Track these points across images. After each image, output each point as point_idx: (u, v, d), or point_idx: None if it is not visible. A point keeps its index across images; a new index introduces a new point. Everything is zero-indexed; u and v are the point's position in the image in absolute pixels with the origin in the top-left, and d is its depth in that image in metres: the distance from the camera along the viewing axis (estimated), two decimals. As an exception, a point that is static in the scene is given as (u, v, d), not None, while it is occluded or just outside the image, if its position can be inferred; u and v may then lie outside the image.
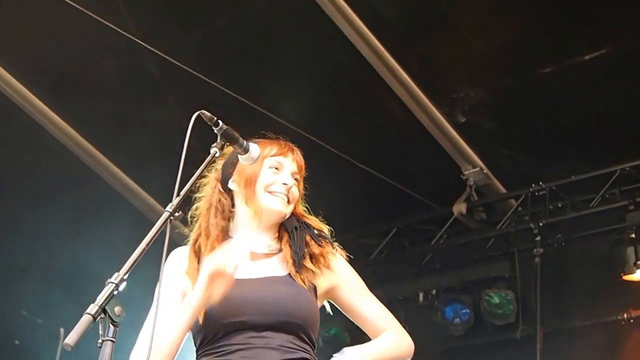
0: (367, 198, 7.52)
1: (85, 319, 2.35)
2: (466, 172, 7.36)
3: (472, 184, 7.41)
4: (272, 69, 6.74)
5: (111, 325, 2.41)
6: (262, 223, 3.13)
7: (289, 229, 3.15)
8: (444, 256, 7.91)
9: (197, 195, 3.20)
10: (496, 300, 7.36)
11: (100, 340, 2.40)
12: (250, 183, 3.14)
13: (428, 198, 7.64)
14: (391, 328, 3.20)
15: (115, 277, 2.45)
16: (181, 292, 3.01)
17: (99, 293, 2.43)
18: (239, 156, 3.02)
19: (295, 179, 3.19)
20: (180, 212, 2.69)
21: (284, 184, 3.13)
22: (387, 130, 7.10)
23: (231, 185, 3.17)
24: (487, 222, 7.79)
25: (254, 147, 3.01)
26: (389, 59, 6.45)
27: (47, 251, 7.69)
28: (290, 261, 3.06)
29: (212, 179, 3.22)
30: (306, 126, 6.73)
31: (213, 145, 2.89)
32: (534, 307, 7.13)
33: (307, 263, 3.06)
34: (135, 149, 7.46)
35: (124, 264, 2.52)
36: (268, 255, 3.11)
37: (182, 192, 2.71)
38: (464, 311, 7.59)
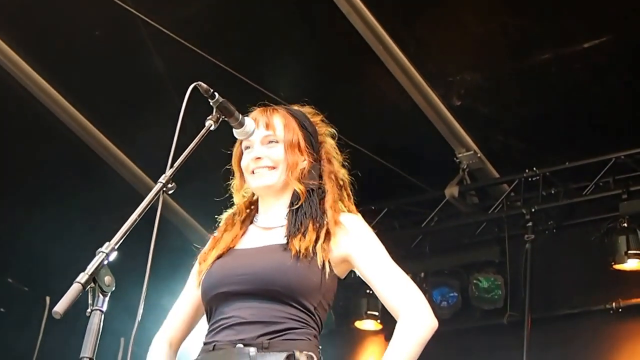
0: (359, 178, 7.50)
1: (75, 288, 2.35)
2: (460, 155, 7.35)
3: (465, 167, 7.40)
4: (269, 46, 6.71)
5: (101, 295, 2.40)
6: (264, 201, 3.17)
7: (292, 201, 3.12)
8: (434, 239, 7.91)
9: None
10: (485, 284, 7.37)
11: (89, 310, 2.39)
12: (237, 171, 3.22)
13: (420, 180, 7.64)
14: (403, 309, 2.99)
15: (106, 247, 2.45)
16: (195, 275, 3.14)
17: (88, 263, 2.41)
18: (234, 130, 3.03)
19: (272, 141, 3.14)
20: (174, 184, 2.68)
21: (255, 158, 3.11)
22: (382, 111, 7.09)
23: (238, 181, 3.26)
24: (478, 206, 7.79)
25: (249, 121, 3.02)
26: (386, 40, 6.43)
27: (35, 219, 7.67)
28: (286, 232, 3.03)
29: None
30: (298, 102, 6.70)
31: (208, 118, 2.88)
32: (522, 293, 7.12)
33: (309, 233, 2.99)
34: (125, 121, 7.44)
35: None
36: (276, 227, 3.10)
37: (176, 164, 2.69)
38: (451, 295, 7.60)
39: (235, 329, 2.88)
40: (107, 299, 2.42)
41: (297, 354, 2.82)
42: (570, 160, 7.10)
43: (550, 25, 6.37)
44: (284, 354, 2.81)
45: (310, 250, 2.94)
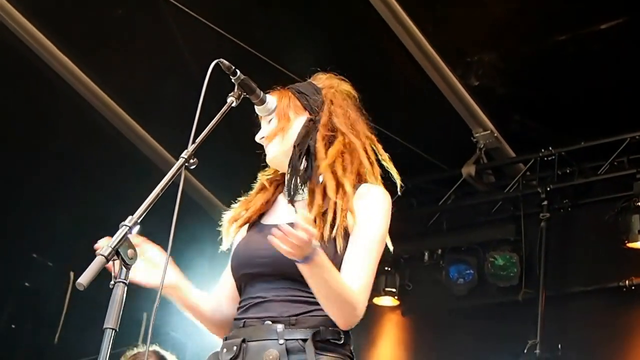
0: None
1: (99, 260, 2.40)
2: (477, 135, 7.39)
3: (482, 146, 7.44)
4: (288, 25, 6.75)
5: (124, 268, 2.46)
6: (283, 175, 3.16)
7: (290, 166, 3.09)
8: (451, 217, 7.96)
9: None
10: (500, 262, 7.41)
11: (112, 282, 2.45)
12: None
13: (438, 159, 7.67)
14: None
15: (129, 220, 2.50)
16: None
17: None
18: (256, 107, 3.06)
19: (270, 119, 3.14)
20: (195, 160, 2.73)
21: (259, 138, 3.15)
22: (400, 90, 7.12)
23: None
24: (495, 185, 7.84)
25: (271, 99, 3.06)
26: (405, 19, 6.45)
27: (59, 196, 7.75)
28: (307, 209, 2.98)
29: None
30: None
31: (230, 95, 2.92)
32: (537, 271, 7.19)
33: (325, 215, 2.94)
34: (146, 99, 7.49)
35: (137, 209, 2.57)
36: (299, 201, 3.08)
37: (198, 140, 2.74)
38: (468, 272, 7.65)
39: (263, 306, 2.92)
40: (130, 271, 2.47)
41: (322, 329, 2.87)
42: (586, 139, 7.15)
43: (568, 6, 6.38)
44: (311, 330, 2.85)
45: (326, 236, 2.89)
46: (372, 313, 8.06)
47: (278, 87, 3.22)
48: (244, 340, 2.88)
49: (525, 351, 6.88)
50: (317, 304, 2.86)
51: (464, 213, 7.94)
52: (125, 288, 2.45)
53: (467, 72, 6.96)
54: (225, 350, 2.92)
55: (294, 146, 3.07)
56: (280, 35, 6.79)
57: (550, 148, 7.28)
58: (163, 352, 5.01)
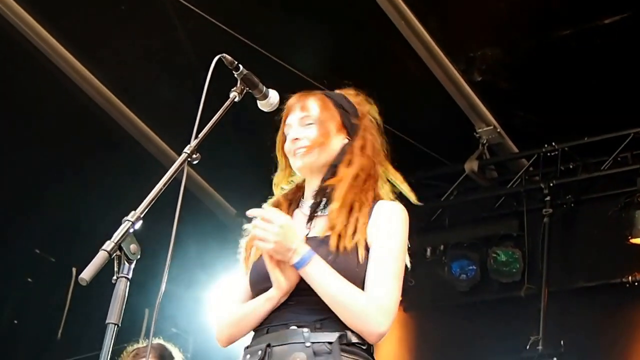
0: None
1: (101, 255, 2.40)
2: (479, 130, 7.39)
3: (484, 142, 7.44)
4: (291, 22, 6.74)
5: (126, 263, 2.46)
6: (310, 183, 3.19)
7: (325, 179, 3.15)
8: (454, 212, 7.96)
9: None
10: (503, 258, 7.41)
11: (115, 277, 2.45)
12: (281, 155, 3.23)
13: (440, 154, 7.67)
14: (369, 293, 2.96)
15: (132, 215, 2.50)
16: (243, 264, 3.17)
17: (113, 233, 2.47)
18: (259, 102, 3.06)
19: (308, 123, 3.16)
20: (198, 155, 2.73)
21: (294, 139, 3.14)
22: (403, 85, 7.11)
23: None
24: (497, 181, 7.83)
25: (273, 93, 3.05)
26: (408, 14, 6.45)
27: (61, 190, 7.76)
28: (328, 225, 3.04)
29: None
30: (321, 78, 6.75)
31: (232, 90, 2.92)
32: (540, 267, 7.18)
33: (348, 226, 3.01)
34: (149, 94, 7.50)
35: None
36: (321, 216, 3.11)
37: (201, 135, 2.75)
38: (470, 267, 7.64)
39: (286, 313, 2.95)
40: (132, 266, 2.47)
41: (348, 333, 2.91)
42: (589, 135, 7.14)
43: (571, 0, 6.39)
44: (337, 334, 2.88)
45: (349, 247, 2.95)
46: (375, 308, 8.05)
47: (313, 92, 3.26)
48: (268, 345, 2.89)
49: (527, 347, 6.87)
50: (331, 314, 2.93)
51: (467, 209, 7.94)
52: (128, 283, 2.46)
53: (469, 67, 6.96)
54: (248, 356, 2.93)
55: (331, 165, 3.14)
56: (283, 30, 6.78)
57: (554, 143, 7.27)
58: (169, 347, 5.01)
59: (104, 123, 7.52)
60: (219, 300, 7.72)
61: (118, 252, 2.45)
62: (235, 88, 2.93)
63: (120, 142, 7.70)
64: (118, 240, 2.44)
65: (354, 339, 2.91)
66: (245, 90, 2.96)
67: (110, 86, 7.38)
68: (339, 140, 3.18)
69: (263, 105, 3.08)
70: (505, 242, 7.50)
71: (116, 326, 2.39)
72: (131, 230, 2.48)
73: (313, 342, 2.86)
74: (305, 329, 2.88)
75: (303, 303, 2.94)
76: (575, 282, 7.22)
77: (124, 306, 2.42)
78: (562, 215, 7.34)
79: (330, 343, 2.86)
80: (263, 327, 2.98)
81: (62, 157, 7.62)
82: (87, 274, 2.35)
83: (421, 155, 7.52)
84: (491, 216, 7.78)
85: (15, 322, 8.50)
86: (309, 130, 3.15)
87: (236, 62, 2.90)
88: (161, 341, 5.03)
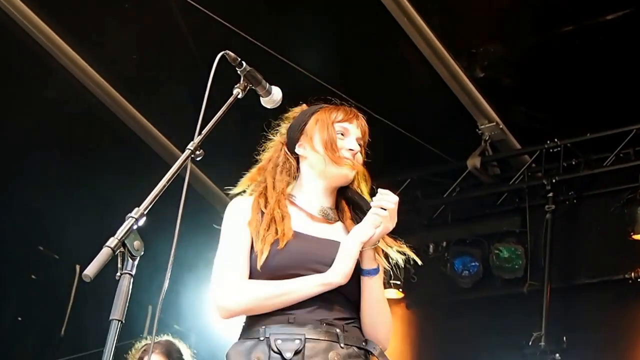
0: (383, 148, 7.54)
1: (105, 252, 2.41)
2: (482, 127, 7.40)
3: (487, 138, 7.45)
4: (293, 18, 6.75)
5: (130, 259, 2.46)
6: (326, 187, 3.18)
7: (349, 205, 3.21)
8: (456, 209, 7.97)
9: (259, 157, 3.27)
10: (505, 254, 7.42)
11: (118, 274, 2.45)
12: (327, 147, 3.16)
13: (443, 151, 7.67)
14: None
15: (135, 212, 2.50)
16: (248, 243, 3.06)
17: (116, 230, 2.47)
18: (262, 99, 3.06)
19: (360, 145, 3.24)
20: (202, 151, 2.74)
21: (350, 149, 3.17)
22: (405, 82, 7.12)
23: (298, 149, 3.21)
24: (500, 177, 7.84)
25: (276, 90, 3.05)
26: (410, 11, 6.45)
27: (65, 189, 7.77)
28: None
29: (277, 142, 3.27)
30: (325, 76, 6.77)
31: (236, 86, 2.92)
32: (542, 263, 7.19)
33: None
34: (152, 91, 7.51)
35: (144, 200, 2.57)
36: (329, 222, 3.15)
37: (204, 131, 2.75)
38: (473, 264, 7.66)
39: (313, 307, 2.94)
40: (136, 263, 2.47)
41: (367, 339, 2.98)
42: (591, 131, 7.15)
43: (574, -3, 6.41)
44: (362, 339, 2.96)
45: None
46: (377, 305, 8.07)
47: (356, 110, 3.31)
48: (304, 337, 2.89)
49: (530, 343, 6.89)
50: (357, 317, 3.01)
51: (469, 205, 7.95)
52: (132, 279, 2.46)
53: (472, 63, 6.96)
54: (280, 341, 2.89)
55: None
56: (286, 27, 6.79)
57: (556, 140, 7.28)
58: (177, 343, 5.02)
59: (107, 120, 7.52)
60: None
61: (122, 249, 2.45)
62: (238, 85, 2.93)
63: (123, 139, 7.70)
64: (122, 237, 2.44)
65: (378, 348, 2.99)
66: (248, 87, 2.96)
67: (113, 83, 7.38)
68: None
69: (266, 102, 3.08)
70: (507, 238, 7.51)
71: (120, 322, 2.39)
72: (135, 227, 2.48)
73: (346, 344, 2.90)
74: (337, 330, 2.92)
75: (329, 302, 2.96)
76: (577, 278, 7.23)
77: (127, 303, 2.42)
78: (564, 211, 7.34)
79: (359, 348, 2.93)
80: (285, 314, 2.94)
81: (65, 154, 7.62)
82: (90, 270, 2.35)
83: (423, 152, 7.52)
84: (494, 213, 7.80)
85: (19, 318, 8.50)
86: (359, 154, 3.25)
87: (239, 59, 2.90)
88: (169, 337, 5.05)
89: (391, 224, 2.99)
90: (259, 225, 3.04)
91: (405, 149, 7.48)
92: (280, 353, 2.85)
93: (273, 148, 3.26)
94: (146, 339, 5.11)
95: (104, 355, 2.36)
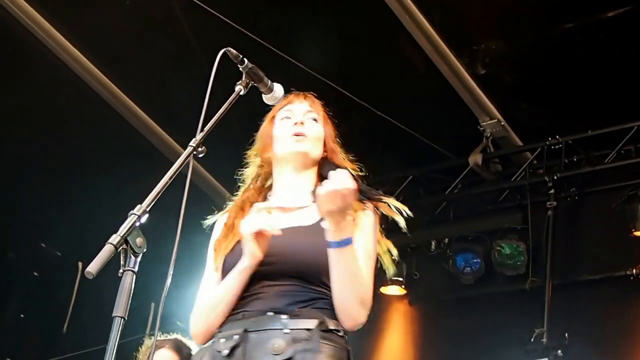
0: (385, 145, 7.57)
1: (107, 249, 2.40)
2: (483, 124, 7.40)
3: (488, 135, 7.45)
4: (295, 15, 6.75)
5: (132, 256, 2.46)
6: (293, 173, 3.21)
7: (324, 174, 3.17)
8: (458, 206, 7.98)
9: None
10: (507, 251, 7.43)
11: (121, 270, 2.45)
12: (267, 142, 3.24)
13: (444, 148, 7.68)
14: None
15: (138, 209, 2.50)
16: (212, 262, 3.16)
17: (118, 227, 2.47)
18: (264, 96, 3.07)
19: (313, 119, 3.25)
20: (204, 148, 2.75)
21: (294, 124, 3.19)
22: (407, 79, 7.12)
23: (264, 153, 3.28)
24: (502, 174, 7.84)
25: (278, 87, 3.06)
26: (412, 8, 6.45)
27: (67, 186, 7.78)
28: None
29: (251, 156, 3.35)
30: (327, 73, 6.78)
31: (238, 83, 2.93)
32: (544, 259, 7.20)
33: None
34: (154, 89, 7.51)
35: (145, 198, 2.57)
36: (302, 207, 3.15)
37: (207, 128, 2.76)
38: (475, 260, 7.67)
39: (264, 300, 2.96)
40: (138, 260, 2.47)
41: (326, 320, 2.91)
42: (593, 128, 7.15)
43: (575, -6, 6.41)
44: (316, 320, 2.89)
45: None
46: (379, 302, 8.08)
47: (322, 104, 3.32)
48: (245, 330, 2.89)
49: (532, 340, 6.89)
50: (320, 298, 2.96)
51: (471, 202, 7.96)
52: (134, 276, 2.46)
53: (473, 60, 6.95)
54: (223, 340, 2.92)
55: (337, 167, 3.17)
56: (288, 24, 6.79)
57: (557, 136, 7.29)
58: (186, 341, 5.04)
59: (109, 117, 7.53)
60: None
61: (124, 246, 2.44)
62: (240, 82, 2.93)
63: (125, 136, 7.71)
64: (124, 234, 2.44)
65: (332, 326, 2.92)
66: (250, 84, 2.96)
67: (115, 81, 7.38)
68: (321, 145, 3.28)
69: (268, 99, 3.09)
70: (509, 235, 7.52)
71: (122, 319, 2.39)
72: (137, 224, 2.48)
73: (292, 329, 2.87)
74: (284, 316, 2.90)
75: (280, 291, 2.96)
76: (579, 274, 7.24)
77: (130, 299, 2.43)
78: (566, 208, 7.35)
79: (309, 330, 2.88)
80: (238, 312, 2.97)
81: (67, 151, 7.64)
82: (93, 267, 2.35)
83: (425, 148, 7.53)
84: (495, 209, 7.80)
85: (22, 315, 8.53)
86: (314, 125, 3.24)
87: (241, 56, 2.90)
88: (179, 336, 5.06)
89: (328, 206, 2.83)
90: (220, 239, 3.15)
91: (407, 146, 7.49)
92: (220, 352, 2.89)
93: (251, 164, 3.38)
94: (146, 337, 5.10)
95: (107, 353, 2.36)
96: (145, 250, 2.50)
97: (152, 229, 2.62)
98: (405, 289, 7.96)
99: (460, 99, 7.14)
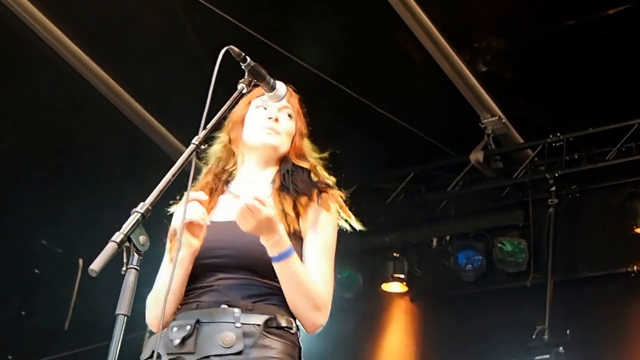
0: (386, 143, 7.57)
1: (111, 247, 2.39)
2: (485, 121, 7.39)
3: (490, 132, 7.45)
4: (296, 13, 6.75)
5: (135, 254, 2.44)
6: (256, 164, 3.24)
7: (281, 172, 3.22)
8: (459, 203, 7.97)
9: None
10: (508, 248, 7.44)
11: (124, 268, 2.43)
12: (238, 124, 3.26)
13: (446, 145, 7.68)
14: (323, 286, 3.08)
15: (141, 207, 2.49)
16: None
17: (119, 225, 2.46)
18: (266, 94, 3.07)
19: (288, 114, 3.28)
20: (207, 145, 2.76)
21: (269, 117, 3.22)
22: (408, 76, 7.12)
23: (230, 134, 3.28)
24: (503, 171, 7.84)
25: (280, 85, 3.06)
26: (413, 5, 6.45)
27: (69, 183, 7.78)
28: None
29: (222, 138, 3.33)
30: (328, 70, 6.78)
31: (240, 81, 2.93)
32: (545, 256, 7.20)
33: (288, 208, 3.11)
34: (156, 87, 7.51)
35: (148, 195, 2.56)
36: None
37: (209, 126, 2.76)
38: (476, 258, 7.68)
39: (218, 292, 2.98)
40: (141, 258, 2.45)
41: (278, 317, 2.96)
42: (594, 125, 7.15)
43: (575, -8, 6.41)
44: (267, 316, 2.93)
45: (295, 228, 3.08)
46: (381, 299, 8.10)
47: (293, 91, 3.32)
48: (197, 321, 2.91)
49: (533, 337, 6.89)
50: (274, 293, 2.99)
51: (472, 199, 7.96)
52: (137, 274, 2.44)
53: (474, 57, 6.95)
54: (176, 329, 2.93)
55: (299, 167, 3.24)
56: (289, 22, 6.79)
57: (558, 134, 7.29)
58: None
59: (110, 115, 7.53)
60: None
61: (127, 244, 2.43)
62: (242, 80, 2.93)
63: (127, 134, 7.71)
64: (127, 232, 2.42)
65: (284, 323, 2.96)
66: (252, 82, 2.96)
67: (117, 78, 7.39)
68: (303, 149, 3.33)
69: (270, 97, 3.09)
70: (510, 232, 7.53)
71: (126, 317, 2.38)
72: (140, 222, 2.46)
73: (243, 323, 2.90)
74: (237, 309, 2.92)
75: (234, 284, 2.98)
76: (580, 271, 7.25)
77: (133, 297, 2.41)
78: (567, 205, 7.35)
79: (259, 325, 2.91)
80: (192, 302, 3.00)
81: (69, 148, 7.64)
82: (96, 265, 2.34)
83: (426, 146, 7.53)
84: (497, 206, 7.81)
85: (23, 313, 8.53)
86: (288, 122, 3.28)
87: (243, 54, 2.90)
88: None
89: (246, 225, 2.89)
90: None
91: (408, 144, 7.50)
92: (172, 340, 2.91)
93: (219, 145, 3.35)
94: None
95: (110, 350, 2.35)
96: (148, 248, 2.48)
97: (154, 226, 2.62)
98: (406, 286, 7.98)
99: (462, 97, 7.14)
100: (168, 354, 2.91)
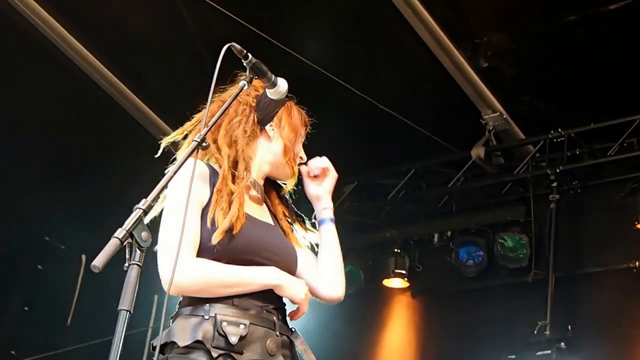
0: (387, 139, 7.57)
1: (113, 242, 2.40)
2: (486, 117, 7.39)
3: (491, 128, 7.44)
4: (297, 8, 6.75)
5: (138, 250, 2.45)
6: (268, 173, 3.26)
7: (277, 191, 3.33)
8: (461, 199, 7.98)
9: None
10: (510, 243, 7.44)
11: (126, 264, 2.44)
12: (292, 143, 3.26)
13: (447, 141, 7.67)
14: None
15: (143, 203, 2.50)
16: (199, 203, 2.99)
17: (121, 222, 2.47)
18: (267, 90, 3.05)
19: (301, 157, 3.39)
20: (208, 142, 2.77)
21: (300, 157, 3.33)
22: (409, 73, 7.12)
23: (269, 129, 3.22)
24: (504, 167, 7.84)
25: (282, 82, 3.05)
26: (414, 1, 6.45)
27: (71, 180, 7.79)
28: (285, 218, 3.29)
29: (248, 104, 3.21)
30: (329, 66, 6.78)
31: (242, 78, 2.94)
32: (547, 252, 7.20)
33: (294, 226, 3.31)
34: (156, 82, 7.52)
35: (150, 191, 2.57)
36: (259, 203, 3.21)
37: (210, 123, 2.78)
38: (477, 253, 7.68)
39: (267, 293, 2.99)
40: (144, 254, 2.46)
41: (295, 331, 3.08)
42: (595, 121, 7.14)
43: (577, -13, 6.41)
44: (291, 328, 3.07)
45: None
46: (382, 295, 8.11)
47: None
48: (251, 323, 2.92)
49: (535, 332, 6.90)
50: (283, 307, 3.08)
51: (474, 195, 7.96)
52: (140, 270, 2.45)
53: (475, 53, 6.95)
54: (225, 323, 2.88)
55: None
56: (290, 18, 6.79)
57: (560, 129, 7.28)
58: None
59: (114, 112, 7.55)
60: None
61: (129, 240, 2.44)
62: (244, 76, 2.94)
63: (130, 131, 7.72)
64: (129, 228, 2.43)
65: (299, 339, 3.09)
66: (254, 79, 2.97)
67: (120, 75, 7.40)
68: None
69: (272, 94, 3.08)
70: (512, 228, 7.53)
71: (128, 312, 2.40)
72: (142, 218, 2.47)
73: (280, 333, 2.99)
74: (275, 317, 3.00)
75: (269, 290, 3.00)
76: (582, 267, 7.25)
77: (135, 293, 2.43)
78: (568, 201, 7.35)
79: (288, 337, 3.03)
80: (232, 296, 2.94)
81: (71, 145, 7.65)
82: (99, 261, 2.35)
83: (428, 142, 7.53)
84: (498, 202, 7.81)
85: (26, 308, 8.55)
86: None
87: (245, 51, 2.90)
88: None
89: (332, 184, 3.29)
90: (222, 200, 2.99)
91: (409, 139, 7.50)
92: (225, 336, 2.87)
93: (241, 107, 3.21)
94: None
95: (113, 346, 2.37)
96: (150, 244, 2.49)
97: (156, 223, 2.63)
98: (408, 281, 7.98)
99: (463, 92, 7.14)
100: (215, 347, 2.85)
